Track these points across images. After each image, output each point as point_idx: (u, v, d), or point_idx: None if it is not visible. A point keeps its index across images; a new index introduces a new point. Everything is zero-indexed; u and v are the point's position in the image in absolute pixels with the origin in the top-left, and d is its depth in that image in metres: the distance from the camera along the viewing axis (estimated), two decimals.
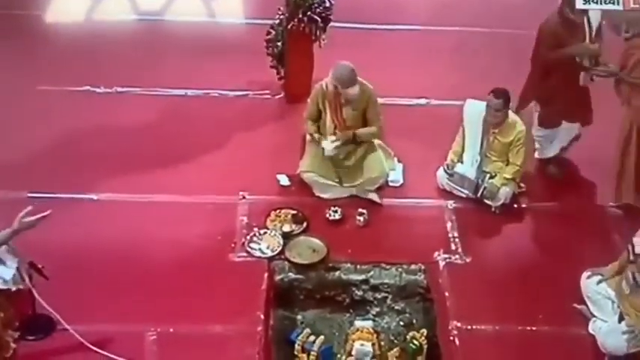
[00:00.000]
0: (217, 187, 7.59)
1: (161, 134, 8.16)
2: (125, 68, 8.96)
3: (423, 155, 7.95)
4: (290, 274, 6.98)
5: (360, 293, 7.05)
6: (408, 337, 6.38)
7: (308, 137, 7.61)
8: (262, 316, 6.53)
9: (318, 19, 8.32)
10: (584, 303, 6.60)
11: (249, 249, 7.03)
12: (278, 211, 7.37)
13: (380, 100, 7.61)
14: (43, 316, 6.22)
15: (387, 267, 7.05)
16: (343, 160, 7.61)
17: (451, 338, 6.50)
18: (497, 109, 7.31)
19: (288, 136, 7.99)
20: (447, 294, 6.81)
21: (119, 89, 8.68)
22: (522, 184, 7.68)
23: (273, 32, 8.56)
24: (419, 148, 8.05)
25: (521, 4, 9.82)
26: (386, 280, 7.04)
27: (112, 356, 6.11)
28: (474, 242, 7.26)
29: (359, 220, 7.33)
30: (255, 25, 9.40)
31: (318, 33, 8.39)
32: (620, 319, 6.31)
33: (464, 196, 7.58)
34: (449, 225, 7.39)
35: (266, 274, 6.86)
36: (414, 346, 6.26)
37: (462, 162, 7.60)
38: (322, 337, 6.25)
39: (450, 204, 7.58)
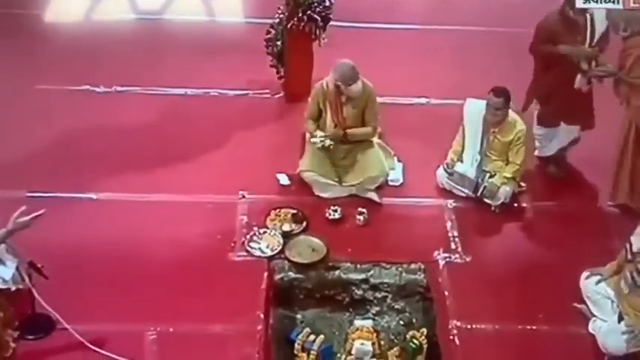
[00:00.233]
0: (217, 186, 7.59)
1: (161, 133, 8.15)
2: (125, 67, 8.96)
3: (422, 154, 7.95)
4: (290, 273, 6.98)
5: (360, 292, 7.05)
6: (407, 336, 6.37)
7: (308, 136, 7.61)
8: (262, 316, 6.53)
9: (318, 18, 8.32)
10: (584, 302, 6.60)
11: (248, 248, 7.03)
12: (278, 210, 7.37)
13: (380, 100, 7.62)
14: (43, 316, 6.21)
15: (387, 266, 7.05)
16: (343, 160, 7.61)
17: (451, 337, 6.50)
18: (497, 108, 7.31)
19: (287, 136, 7.99)
20: (446, 293, 6.80)
21: (119, 88, 8.68)
22: (522, 184, 7.68)
23: (273, 31, 8.56)
24: (419, 148, 8.05)
25: (521, 3, 9.81)
26: (386, 280, 7.04)
27: (112, 356, 6.10)
28: (473, 241, 7.26)
29: (359, 220, 7.33)
30: (255, 24, 9.40)
31: (317, 32, 8.40)
32: (620, 318, 6.31)
33: (464, 195, 7.58)
34: (449, 224, 7.39)
35: (266, 274, 6.86)
36: (413, 346, 6.26)
37: (461, 161, 7.60)
38: (322, 336, 6.25)
39: (450, 203, 7.58)
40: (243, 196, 7.52)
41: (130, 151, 7.91)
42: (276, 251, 7.03)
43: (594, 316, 6.51)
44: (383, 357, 6.27)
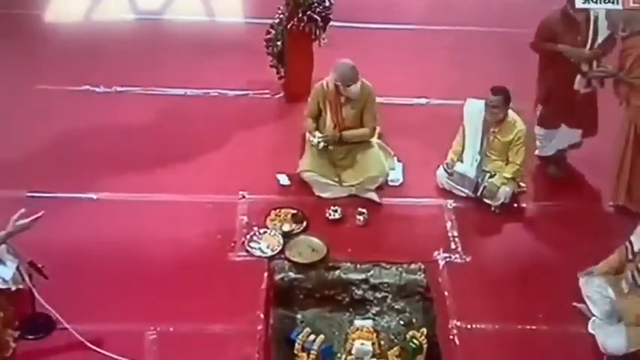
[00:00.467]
0: (217, 186, 7.59)
1: (161, 134, 8.16)
2: (125, 68, 8.97)
3: (422, 154, 7.95)
4: (290, 273, 6.98)
5: (360, 292, 7.05)
6: (407, 336, 6.38)
7: (308, 136, 7.61)
8: (262, 316, 6.53)
9: (318, 18, 8.33)
10: (584, 302, 6.60)
11: (249, 248, 7.03)
12: (278, 210, 7.37)
13: (380, 100, 7.63)
14: (43, 316, 6.22)
15: (387, 266, 7.05)
16: (343, 160, 7.61)
17: (451, 337, 6.50)
18: (494, 106, 7.31)
19: (287, 136, 7.99)
20: (446, 293, 6.81)
21: (118, 89, 8.69)
22: (522, 184, 7.68)
23: (273, 31, 8.57)
24: (419, 148, 8.05)
25: (521, 3, 9.83)
26: (386, 280, 7.04)
27: (112, 355, 6.10)
28: (473, 241, 7.26)
29: (359, 220, 7.34)
30: (255, 24, 9.41)
31: (317, 32, 8.41)
32: (619, 318, 6.31)
33: (464, 195, 7.58)
34: (449, 224, 7.39)
35: (266, 274, 6.86)
36: (413, 345, 6.26)
37: (461, 161, 7.61)
38: (322, 336, 6.25)
39: (450, 203, 7.58)
40: (244, 196, 7.52)
41: (130, 151, 7.92)
42: (276, 251, 7.03)
43: (594, 315, 6.51)
44: (383, 357, 6.27)
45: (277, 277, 6.96)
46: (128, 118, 8.33)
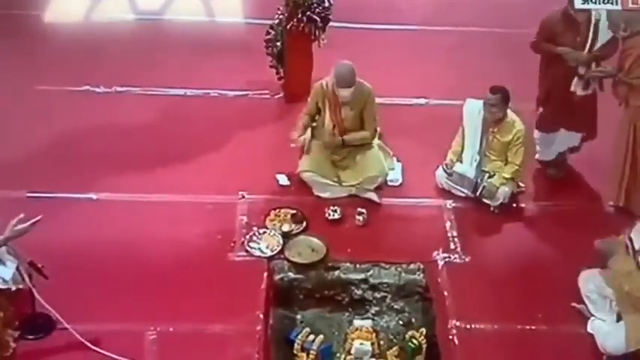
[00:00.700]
0: (217, 186, 7.60)
1: (160, 134, 8.17)
2: (125, 68, 8.98)
3: (422, 155, 7.96)
4: (289, 273, 6.99)
5: (359, 292, 7.06)
6: (407, 336, 6.39)
7: (308, 136, 7.62)
8: (262, 316, 6.54)
9: (318, 18, 8.33)
10: (583, 302, 6.61)
11: (248, 248, 7.04)
12: (277, 210, 7.38)
13: (379, 100, 7.63)
14: (43, 316, 6.22)
15: (387, 266, 7.06)
16: (342, 160, 7.62)
17: (450, 337, 6.51)
18: (492, 104, 7.32)
19: (287, 136, 7.94)
20: (446, 293, 6.82)
21: (118, 89, 8.69)
22: (521, 184, 7.69)
23: (273, 32, 8.57)
24: (418, 148, 8.06)
25: (521, 4, 9.83)
26: (385, 280, 7.05)
27: (112, 355, 6.11)
28: (472, 242, 7.27)
29: (358, 220, 7.34)
30: (255, 24, 9.43)
31: (317, 33, 8.41)
32: (619, 318, 6.32)
33: (463, 195, 7.59)
34: (448, 224, 7.40)
35: (265, 274, 6.87)
36: (413, 345, 6.28)
37: (461, 161, 7.62)
38: (322, 336, 6.26)
39: (449, 203, 7.59)
40: (243, 197, 7.53)
41: (130, 152, 7.93)
42: (275, 251, 7.03)
43: (593, 315, 6.52)
44: (382, 357, 6.29)
45: (277, 277, 6.97)
46: (128, 118, 8.34)
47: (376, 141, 7.74)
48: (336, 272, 7.05)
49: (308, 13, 8.28)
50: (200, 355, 6.25)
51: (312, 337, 6.24)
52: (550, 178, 7.87)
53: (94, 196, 7.46)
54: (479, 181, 7.51)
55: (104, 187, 7.52)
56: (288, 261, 7.00)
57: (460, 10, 10.16)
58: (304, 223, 7.28)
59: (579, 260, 6.88)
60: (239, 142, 8.14)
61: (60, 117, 8.29)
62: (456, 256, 7.12)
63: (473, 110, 7.52)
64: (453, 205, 7.58)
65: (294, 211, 7.36)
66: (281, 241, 7.09)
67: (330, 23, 8.47)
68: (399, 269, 7.06)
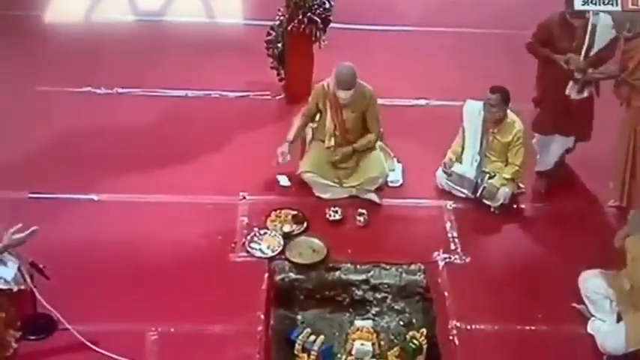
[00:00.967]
0: (218, 187, 7.61)
1: (161, 135, 8.18)
2: (125, 69, 8.99)
3: (422, 155, 7.97)
4: (290, 274, 7.00)
5: (360, 293, 7.07)
6: (407, 336, 6.40)
7: (309, 137, 7.65)
8: (262, 316, 6.55)
9: (318, 20, 8.34)
10: (583, 303, 6.62)
11: (249, 249, 7.05)
12: (278, 211, 7.39)
13: (380, 101, 7.64)
14: (45, 316, 6.23)
15: (387, 267, 7.07)
16: (343, 161, 7.63)
17: (450, 338, 6.52)
18: (492, 104, 7.33)
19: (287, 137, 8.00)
20: (446, 294, 6.82)
21: (120, 90, 8.70)
22: (522, 185, 7.70)
23: (274, 33, 8.58)
24: (418, 149, 8.07)
25: (521, 5, 9.84)
26: (386, 280, 7.06)
27: (113, 356, 6.12)
28: (473, 242, 7.28)
29: (359, 221, 7.35)
30: (255, 26, 9.43)
31: (318, 34, 8.42)
32: (619, 318, 6.33)
33: (463, 196, 7.60)
34: (448, 225, 7.41)
35: (266, 274, 6.88)
36: (413, 346, 6.29)
37: (460, 162, 7.63)
38: (322, 336, 6.27)
39: (450, 204, 7.60)
40: (244, 197, 7.54)
41: (131, 153, 7.94)
42: (276, 252, 7.04)
43: (593, 316, 6.53)
44: (383, 357, 6.29)
45: (278, 277, 6.98)
46: (129, 119, 8.35)
47: (377, 142, 7.75)
48: (337, 273, 7.06)
49: (309, 14, 8.29)
50: (201, 355, 6.26)
51: (312, 337, 6.25)
52: (549, 179, 7.83)
53: (95, 196, 7.47)
54: (479, 181, 7.52)
55: (105, 187, 7.53)
56: (289, 261, 7.01)
57: (461, 11, 10.17)
58: (305, 224, 7.29)
59: (579, 261, 6.90)
60: (240, 143, 8.15)
61: (61, 118, 8.31)
62: (457, 256, 7.13)
63: (473, 111, 7.53)
64: (454, 205, 7.59)
65: (294, 212, 7.37)
66: (282, 242, 7.10)
67: (331, 24, 8.48)
68: (400, 270, 7.07)
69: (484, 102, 7.39)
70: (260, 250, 7.06)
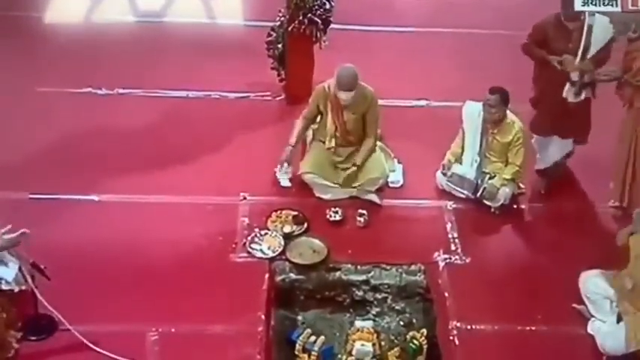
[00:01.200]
0: (218, 188, 7.62)
1: (162, 136, 8.19)
2: (126, 70, 8.99)
3: (422, 156, 7.98)
4: (291, 274, 7.01)
5: (360, 293, 7.08)
6: (408, 337, 6.41)
7: (309, 138, 7.65)
8: (263, 317, 6.56)
9: (319, 21, 8.34)
10: (583, 303, 6.63)
11: (250, 250, 7.06)
12: (279, 212, 7.40)
13: (380, 102, 7.64)
14: (46, 317, 6.24)
15: (388, 267, 7.08)
16: (344, 162, 7.64)
17: (451, 338, 6.53)
18: (491, 105, 7.34)
19: (288, 138, 7.99)
20: (446, 294, 6.83)
21: (120, 91, 8.71)
22: (522, 185, 7.71)
23: (274, 34, 8.58)
24: (419, 149, 8.08)
25: (521, 6, 9.84)
26: (386, 281, 7.07)
27: (114, 356, 6.13)
28: (473, 243, 7.29)
29: (359, 221, 7.36)
30: (256, 26, 9.44)
31: (318, 35, 8.42)
32: (619, 319, 6.34)
33: (463, 196, 7.61)
34: (448, 226, 7.42)
35: (267, 275, 6.89)
36: (414, 346, 6.30)
37: (460, 163, 7.64)
38: (323, 337, 6.28)
39: (450, 205, 7.61)
40: (245, 198, 7.55)
41: (131, 153, 7.94)
42: (277, 252, 7.05)
43: (593, 316, 6.54)
44: (383, 358, 6.30)
45: (278, 278, 6.99)
46: (129, 120, 8.35)
47: (377, 143, 7.76)
48: (337, 273, 7.07)
49: (309, 15, 8.29)
50: (201, 355, 6.27)
51: (313, 337, 6.26)
52: (549, 180, 7.84)
53: (95, 197, 7.48)
54: (479, 182, 7.53)
55: (106, 188, 7.53)
56: (290, 262, 7.02)
57: (461, 11, 10.17)
58: (305, 225, 7.30)
59: (579, 261, 6.91)
60: (240, 144, 8.16)
61: (61, 118, 8.31)
62: (457, 257, 7.14)
63: (472, 112, 7.54)
64: (454, 206, 7.60)
65: (295, 213, 7.38)
66: (282, 243, 7.11)
67: (332, 25, 8.49)
68: (400, 270, 7.08)
69: (483, 103, 7.40)
70: (261, 250, 7.07)
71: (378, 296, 7.09)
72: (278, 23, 8.54)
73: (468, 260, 7.12)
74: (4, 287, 5.94)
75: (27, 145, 7.95)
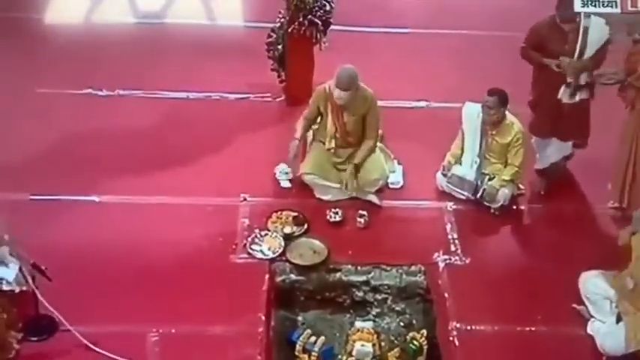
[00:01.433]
0: (218, 189, 7.63)
1: (162, 136, 8.19)
2: (126, 71, 9.00)
3: (422, 157, 7.99)
4: (291, 275, 7.01)
5: (360, 294, 7.09)
6: (408, 337, 6.42)
7: (310, 139, 7.66)
8: (263, 317, 6.56)
9: (319, 22, 8.35)
10: (583, 303, 6.64)
11: (250, 250, 7.07)
12: (279, 212, 7.40)
13: (380, 103, 7.65)
14: (46, 317, 6.25)
15: (388, 268, 7.09)
16: (344, 163, 7.65)
17: (451, 339, 6.54)
18: (489, 107, 7.35)
19: (288, 139, 7.95)
20: (446, 295, 6.84)
21: (121, 92, 8.71)
22: (522, 186, 7.72)
23: (274, 35, 8.59)
24: (419, 150, 8.09)
25: (521, 7, 9.84)
26: (386, 282, 7.07)
27: (115, 357, 6.14)
28: (473, 243, 7.30)
29: (359, 222, 7.37)
30: (256, 28, 9.45)
31: (318, 36, 8.43)
32: (618, 319, 6.34)
33: (463, 197, 7.62)
34: (448, 226, 7.43)
35: (267, 276, 6.90)
36: (414, 347, 6.30)
37: (460, 164, 7.64)
38: (323, 337, 6.29)
39: (450, 206, 7.62)
40: (245, 199, 7.56)
41: (132, 154, 7.95)
42: (277, 253, 7.06)
43: (593, 317, 6.54)
44: (383, 358, 6.31)
45: (278, 278, 6.99)
46: (130, 121, 8.36)
47: (377, 144, 7.76)
48: (338, 274, 7.07)
49: (309, 16, 8.30)
50: (202, 356, 6.28)
51: (313, 338, 6.27)
52: (549, 180, 7.84)
53: (96, 198, 7.48)
54: (479, 183, 7.54)
55: (106, 189, 7.54)
56: (290, 263, 7.03)
57: (460, 13, 10.18)
58: (306, 226, 7.31)
59: (579, 262, 6.91)
60: (241, 145, 8.16)
61: (61, 119, 8.32)
62: (457, 257, 7.15)
63: (472, 113, 7.55)
64: (454, 207, 7.61)
65: (295, 214, 7.39)
66: (282, 243, 7.12)
67: (332, 26, 8.50)
68: (400, 271, 7.09)
69: (482, 104, 7.41)
70: (261, 251, 7.08)
71: (378, 297, 7.10)
72: (278, 24, 8.54)
73: (467, 261, 7.13)
74: (4, 288, 5.95)
75: (27, 145, 7.96)
